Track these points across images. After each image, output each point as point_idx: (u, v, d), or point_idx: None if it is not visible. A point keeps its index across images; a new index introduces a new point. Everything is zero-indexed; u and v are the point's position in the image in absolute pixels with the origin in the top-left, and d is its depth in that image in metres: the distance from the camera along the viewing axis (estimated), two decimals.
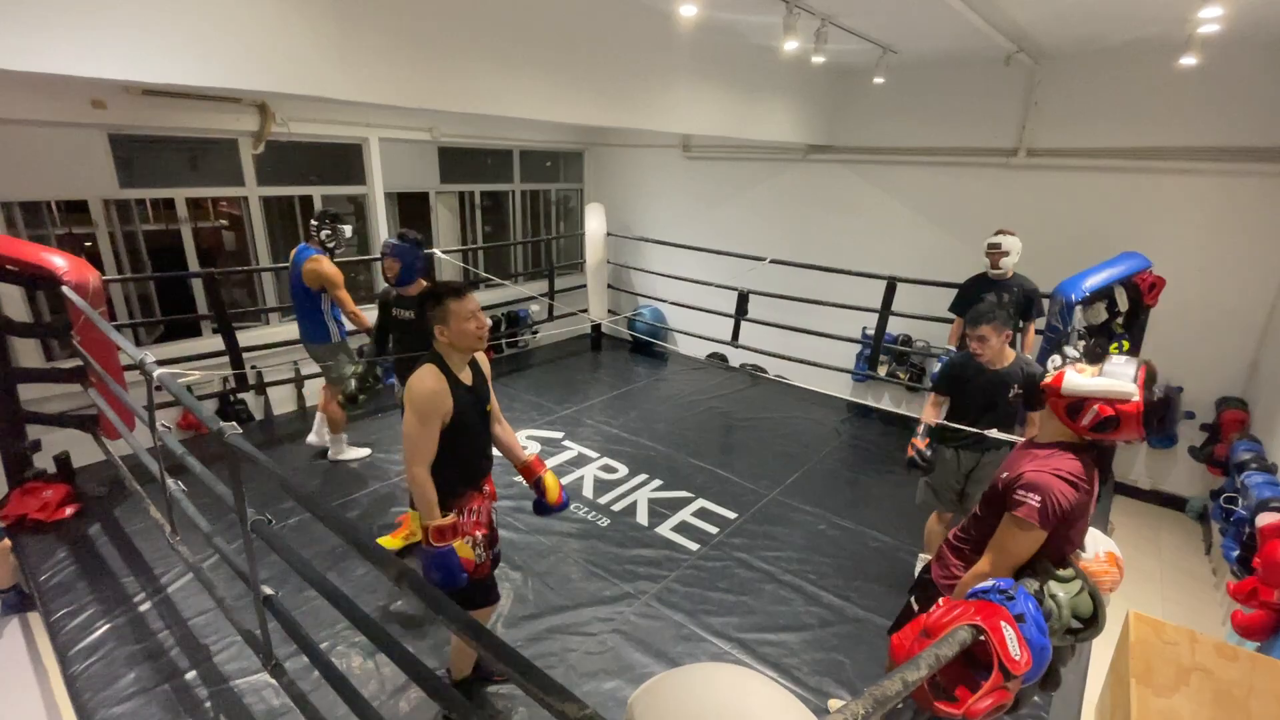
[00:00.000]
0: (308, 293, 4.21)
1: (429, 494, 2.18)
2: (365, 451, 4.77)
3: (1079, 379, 1.80)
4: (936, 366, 6.25)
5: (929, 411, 3.30)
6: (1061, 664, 1.85)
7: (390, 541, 3.61)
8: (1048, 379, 1.88)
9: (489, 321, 2.31)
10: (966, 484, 3.30)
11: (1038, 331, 4.42)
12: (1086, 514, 1.84)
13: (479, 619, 2.41)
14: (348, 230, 4.27)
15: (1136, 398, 1.71)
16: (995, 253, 4.26)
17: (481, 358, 2.42)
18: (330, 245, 4.20)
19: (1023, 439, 2.08)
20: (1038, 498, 1.74)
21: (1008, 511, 1.82)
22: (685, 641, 3.08)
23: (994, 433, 3.64)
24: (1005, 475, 1.90)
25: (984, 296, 4.30)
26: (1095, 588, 1.81)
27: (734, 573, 3.61)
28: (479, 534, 2.34)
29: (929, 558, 3.53)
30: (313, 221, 4.20)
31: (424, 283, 3.54)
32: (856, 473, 4.94)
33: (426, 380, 2.16)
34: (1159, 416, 1.72)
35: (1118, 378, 1.75)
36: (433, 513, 2.19)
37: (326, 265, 4.11)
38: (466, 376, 2.30)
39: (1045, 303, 4.25)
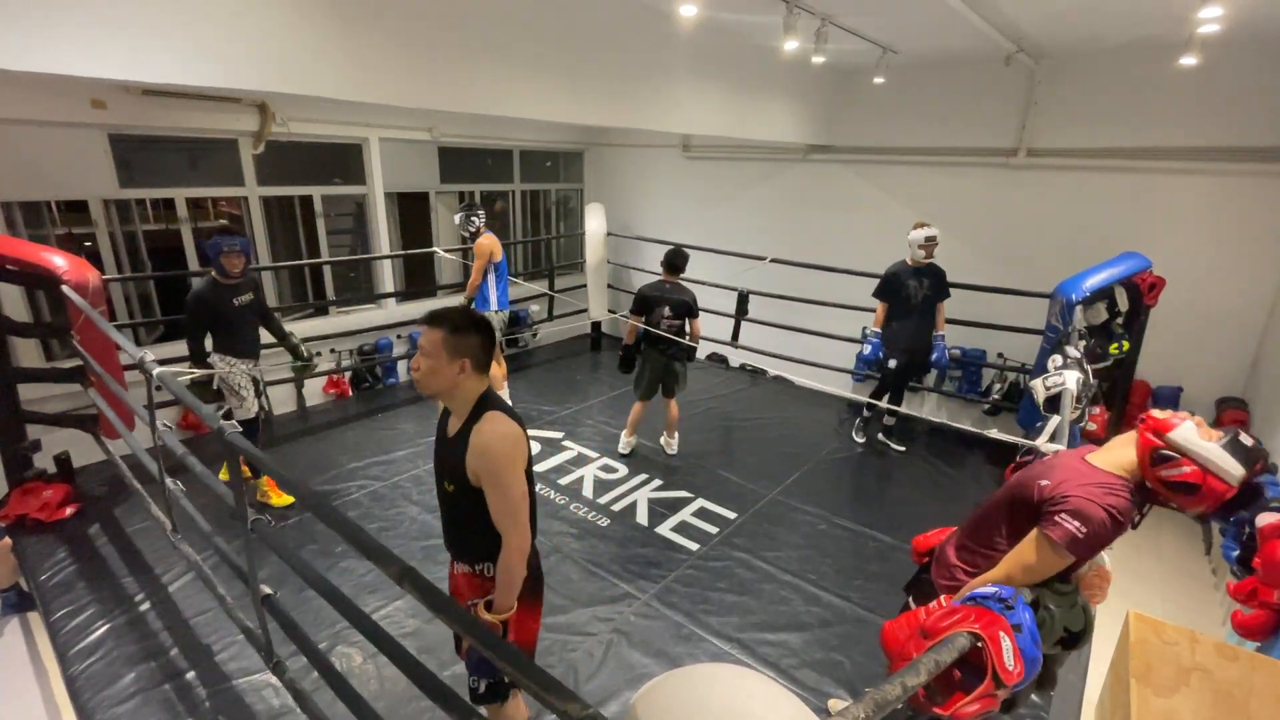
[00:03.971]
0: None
1: None
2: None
3: (1194, 436, 1.60)
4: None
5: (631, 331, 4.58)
6: (1057, 666, 1.85)
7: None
8: (1157, 416, 1.69)
9: (419, 364, 1.78)
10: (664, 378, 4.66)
11: (1036, 331, 4.42)
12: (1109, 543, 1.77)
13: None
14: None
15: (1235, 482, 1.57)
16: (933, 244, 4.54)
17: (487, 431, 1.76)
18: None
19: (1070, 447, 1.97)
20: (1083, 529, 1.63)
21: (1042, 529, 1.70)
22: (685, 641, 3.07)
23: (994, 432, 3.65)
24: (1045, 483, 1.75)
25: (908, 283, 4.71)
26: (1087, 602, 1.80)
27: (734, 573, 3.61)
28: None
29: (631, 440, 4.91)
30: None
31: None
32: (856, 473, 4.94)
33: None
34: (1240, 504, 1.63)
35: (1233, 454, 1.58)
36: None
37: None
38: (453, 425, 1.86)
39: (1044, 302, 4.27)
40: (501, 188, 7.74)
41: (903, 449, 5.16)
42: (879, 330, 4.87)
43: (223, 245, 3.60)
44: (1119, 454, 1.75)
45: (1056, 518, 1.67)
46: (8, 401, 3.83)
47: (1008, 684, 1.47)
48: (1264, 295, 4.84)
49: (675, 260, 4.55)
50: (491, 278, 5.22)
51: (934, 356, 4.84)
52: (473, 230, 5.17)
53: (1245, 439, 1.61)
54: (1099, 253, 4.56)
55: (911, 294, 4.74)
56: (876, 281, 5.62)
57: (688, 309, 4.51)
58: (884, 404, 4.90)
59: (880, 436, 5.33)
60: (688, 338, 4.57)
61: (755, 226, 7.36)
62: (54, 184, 4.51)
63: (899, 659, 1.82)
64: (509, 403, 1.98)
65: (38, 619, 3.38)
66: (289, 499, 4.01)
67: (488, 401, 1.84)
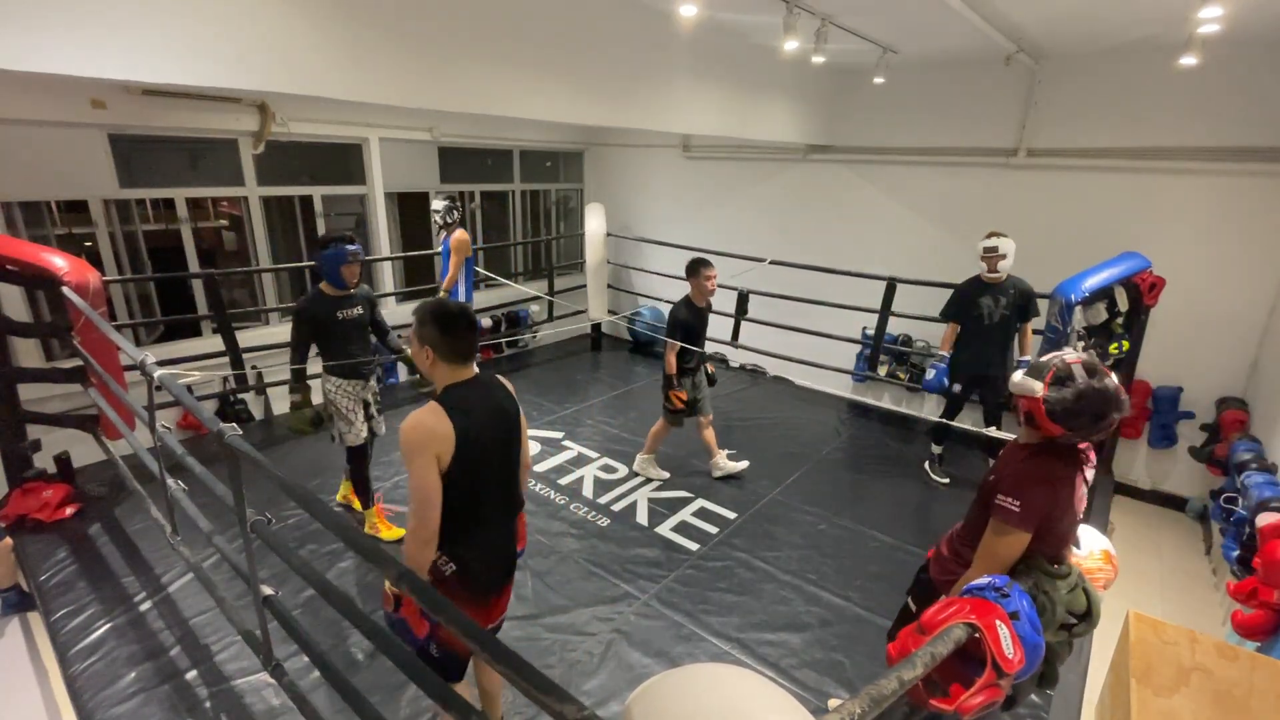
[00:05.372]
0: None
1: None
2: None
3: (1015, 376, 1.87)
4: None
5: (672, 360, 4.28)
6: (1059, 661, 1.85)
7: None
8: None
9: None
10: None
11: (1036, 332, 4.41)
12: (1072, 510, 1.85)
13: None
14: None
15: (1039, 393, 1.77)
16: (993, 256, 4.18)
17: (407, 418, 1.92)
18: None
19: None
20: (1015, 500, 1.78)
21: (991, 517, 1.84)
22: (685, 641, 3.08)
23: (993, 431, 3.67)
24: (992, 477, 1.92)
25: (980, 300, 4.29)
26: (1089, 584, 1.82)
27: (734, 573, 3.61)
28: None
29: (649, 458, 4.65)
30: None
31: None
32: (856, 473, 4.94)
33: None
34: (1083, 410, 1.72)
35: (1029, 376, 1.82)
36: None
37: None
38: None
39: (1043, 303, 4.23)
40: (501, 188, 7.74)
41: (945, 480, 4.78)
42: (946, 353, 4.45)
43: (347, 254, 3.34)
44: (1022, 430, 1.94)
45: (995, 501, 1.82)
46: (8, 401, 3.84)
47: (1008, 672, 1.47)
48: (1264, 295, 4.83)
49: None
50: (462, 273, 5.28)
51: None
52: (450, 221, 5.18)
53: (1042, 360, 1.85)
54: (1099, 253, 4.55)
55: (985, 313, 4.28)
56: (876, 281, 5.67)
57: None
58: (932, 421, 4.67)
59: (925, 466, 4.95)
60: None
61: (755, 226, 7.36)
62: (54, 184, 4.51)
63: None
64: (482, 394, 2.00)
65: (38, 619, 3.38)
66: (400, 532, 3.75)
67: (442, 393, 1.93)
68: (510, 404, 2.09)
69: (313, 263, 6.01)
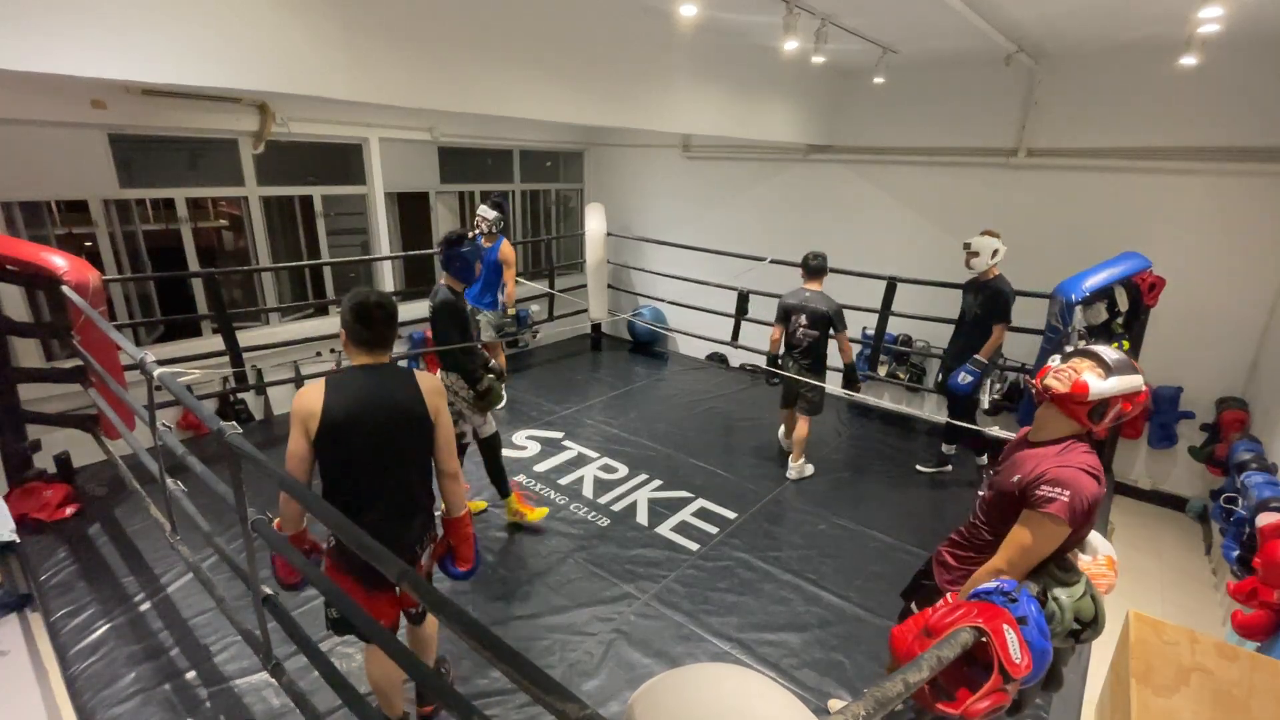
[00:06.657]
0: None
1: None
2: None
3: (1105, 384, 1.76)
4: (936, 365, 6.28)
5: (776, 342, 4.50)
6: (1063, 664, 1.85)
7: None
8: (1063, 388, 1.80)
9: None
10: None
11: (1036, 331, 4.40)
12: (1098, 510, 1.83)
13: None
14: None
15: (1144, 387, 1.80)
16: (966, 253, 4.30)
17: None
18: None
19: (1016, 435, 2.06)
20: (1066, 492, 1.70)
21: (1030, 509, 1.76)
22: (685, 641, 3.07)
23: (995, 430, 3.66)
24: (1018, 478, 1.83)
25: (965, 297, 4.48)
26: (1095, 590, 1.80)
27: (734, 572, 3.61)
28: None
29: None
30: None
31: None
32: (856, 473, 4.94)
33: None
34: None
35: (1124, 373, 1.78)
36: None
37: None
38: None
39: (1041, 303, 4.24)
40: (501, 187, 7.74)
41: (926, 470, 4.88)
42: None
43: (481, 250, 3.42)
44: (1057, 425, 1.86)
45: (1039, 491, 1.75)
46: (8, 401, 3.84)
47: (1015, 677, 1.46)
48: (1264, 295, 4.84)
49: (810, 262, 4.32)
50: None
51: (953, 374, 4.36)
52: (498, 230, 5.14)
53: (1110, 353, 1.82)
54: (1099, 253, 4.56)
55: (965, 309, 4.48)
56: (876, 281, 5.67)
57: (827, 320, 4.25)
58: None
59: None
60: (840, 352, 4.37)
61: (755, 226, 7.37)
62: (54, 184, 4.51)
63: (905, 660, 1.81)
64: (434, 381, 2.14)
65: (38, 619, 3.38)
66: (544, 511, 3.94)
67: (338, 372, 2.09)
68: (411, 403, 2.06)
69: (311, 263, 6.02)
